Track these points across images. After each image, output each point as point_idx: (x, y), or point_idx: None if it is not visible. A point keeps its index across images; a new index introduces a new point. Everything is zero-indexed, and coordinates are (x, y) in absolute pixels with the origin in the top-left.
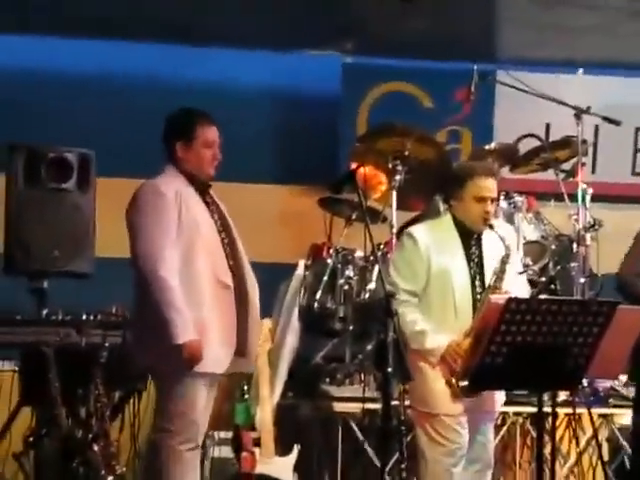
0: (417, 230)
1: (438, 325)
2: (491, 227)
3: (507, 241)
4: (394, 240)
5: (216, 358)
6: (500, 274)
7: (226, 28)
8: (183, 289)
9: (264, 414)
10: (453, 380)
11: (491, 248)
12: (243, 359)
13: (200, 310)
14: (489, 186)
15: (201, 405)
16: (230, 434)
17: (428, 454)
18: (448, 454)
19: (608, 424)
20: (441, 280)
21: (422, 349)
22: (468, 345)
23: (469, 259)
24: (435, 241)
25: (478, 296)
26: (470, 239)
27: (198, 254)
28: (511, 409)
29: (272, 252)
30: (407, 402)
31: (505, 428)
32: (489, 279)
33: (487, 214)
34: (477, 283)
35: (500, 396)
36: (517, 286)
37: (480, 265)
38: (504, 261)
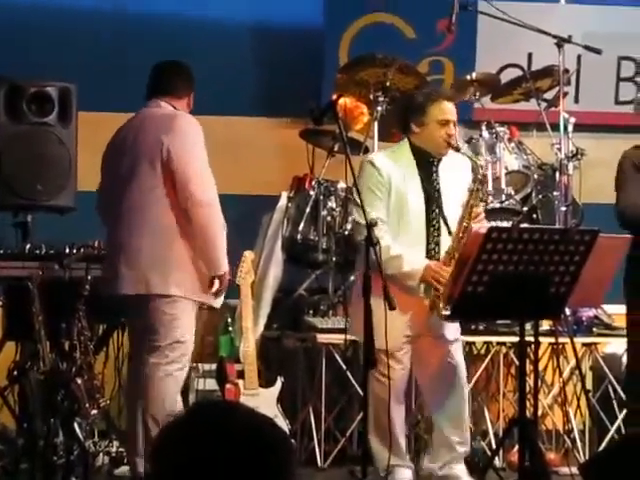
0: (376, 156)
1: None
2: (457, 149)
3: (479, 161)
4: None
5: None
6: (475, 192)
7: None
8: None
9: (248, 346)
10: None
11: (450, 175)
12: None
13: None
14: (451, 109)
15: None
16: (214, 366)
17: (369, 386)
18: (382, 388)
19: (592, 353)
20: (398, 204)
21: (399, 273)
22: (449, 273)
23: (428, 186)
24: (394, 166)
25: (434, 222)
26: (429, 166)
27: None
28: (494, 339)
29: (254, 184)
30: None
31: (488, 358)
32: (466, 198)
33: (450, 137)
34: (434, 208)
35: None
36: None
37: (437, 190)
38: (476, 178)
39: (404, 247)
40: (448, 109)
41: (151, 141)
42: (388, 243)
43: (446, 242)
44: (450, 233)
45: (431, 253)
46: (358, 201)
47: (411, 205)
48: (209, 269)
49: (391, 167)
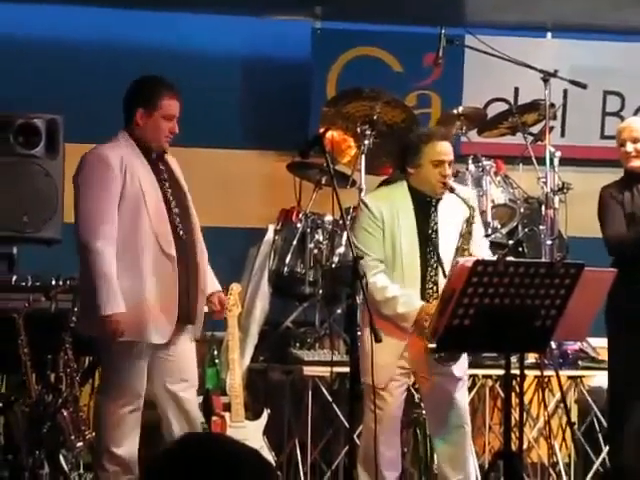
0: (370, 198)
1: None
2: (451, 190)
3: (470, 202)
4: None
5: (155, 328)
6: (467, 235)
7: None
8: (125, 260)
9: (234, 379)
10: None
11: (448, 214)
12: (191, 326)
13: (140, 281)
14: (445, 149)
15: (138, 373)
16: (200, 399)
17: (363, 419)
18: (373, 420)
19: (577, 386)
20: (391, 244)
21: (394, 315)
22: (436, 307)
23: (424, 226)
24: (387, 206)
25: (431, 261)
26: (427, 206)
27: (142, 225)
28: (480, 372)
29: (242, 217)
30: None
31: (474, 391)
32: (458, 242)
33: (445, 177)
34: (430, 248)
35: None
36: (482, 249)
37: (435, 231)
38: (469, 221)
39: (401, 288)
40: (442, 149)
41: None
42: (385, 284)
43: (443, 283)
44: (445, 274)
45: (429, 293)
46: (355, 241)
47: (404, 245)
48: None
49: (384, 207)
